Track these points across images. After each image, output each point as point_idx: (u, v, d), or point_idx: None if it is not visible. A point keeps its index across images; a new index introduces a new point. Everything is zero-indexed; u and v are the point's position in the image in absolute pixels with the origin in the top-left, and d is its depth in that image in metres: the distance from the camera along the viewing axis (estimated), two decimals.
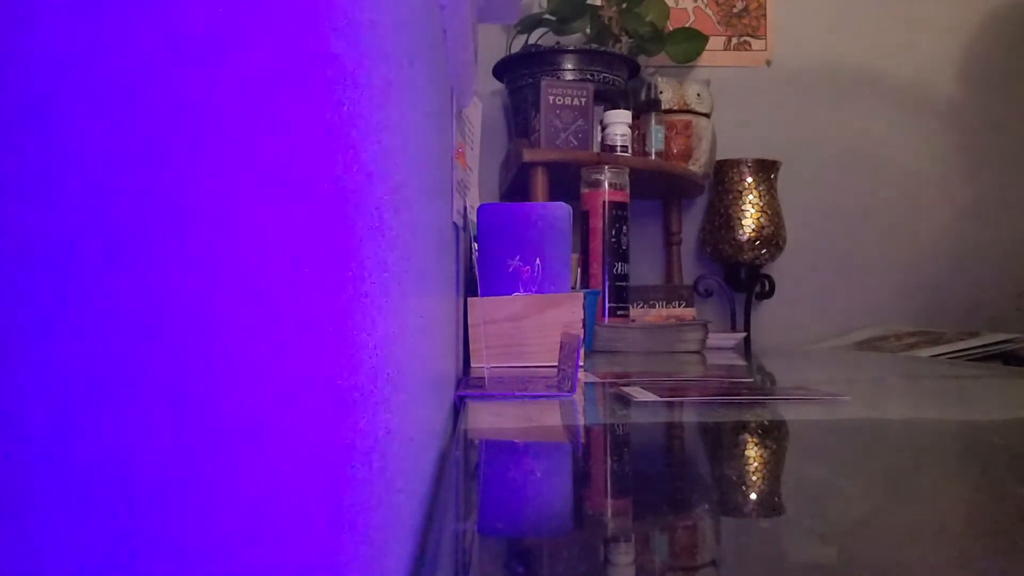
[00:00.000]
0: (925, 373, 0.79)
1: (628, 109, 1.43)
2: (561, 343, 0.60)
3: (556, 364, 0.62)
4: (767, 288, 1.70)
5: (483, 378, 0.64)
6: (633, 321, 1.25)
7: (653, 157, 1.46)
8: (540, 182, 1.30)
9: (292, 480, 0.13)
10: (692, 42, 1.65)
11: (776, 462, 0.36)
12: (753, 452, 0.38)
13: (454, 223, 0.68)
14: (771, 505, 0.28)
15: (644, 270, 1.68)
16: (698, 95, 1.59)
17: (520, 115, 1.52)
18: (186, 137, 0.10)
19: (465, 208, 0.82)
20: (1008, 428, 0.44)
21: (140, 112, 0.09)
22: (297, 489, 0.13)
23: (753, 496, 0.29)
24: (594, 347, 1.08)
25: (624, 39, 1.56)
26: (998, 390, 0.60)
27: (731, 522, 0.26)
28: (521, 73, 1.49)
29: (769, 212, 1.60)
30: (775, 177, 1.63)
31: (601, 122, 1.41)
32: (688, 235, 1.73)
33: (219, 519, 0.10)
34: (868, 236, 1.79)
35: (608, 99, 1.48)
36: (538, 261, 0.84)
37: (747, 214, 1.60)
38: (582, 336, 0.71)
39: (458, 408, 0.52)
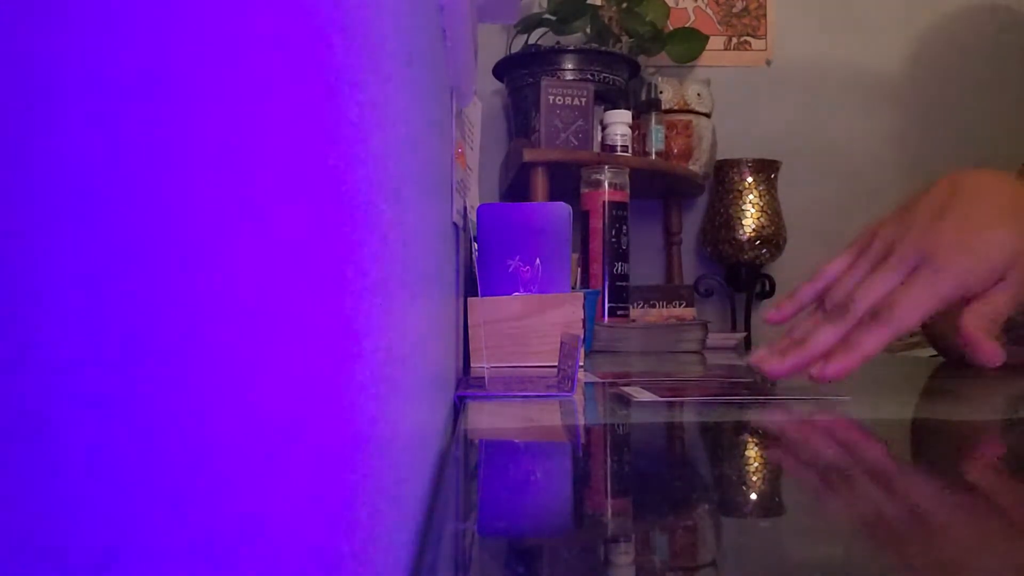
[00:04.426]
0: (925, 373, 0.79)
1: (628, 109, 1.43)
2: (561, 343, 0.60)
3: (556, 364, 0.62)
4: (767, 288, 1.69)
5: (483, 378, 0.64)
6: (633, 321, 1.25)
7: (653, 157, 1.46)
8: (540, 182, 1.30)
9: (291, 480, 0.13)
10: (692, 42, 1.65)
11: (775, 462, 0.36)
12: (752, 452, 0.38)
13: (454, 223, 0.68)
14: (769, 505, 0.28)
15: (644, 270, 1.68)
16: (698, 95, 1.59)
17: (520, 115, 1.52)
18: (180, 138, 0.10)
19: (465, 208, 0.82)
20: (1008, 428, 0.44)
21: (134, 112, 0.09)
22: (296, 489, 0.13)
23: (751, 496, 0.29)
24: (594, 347, 1.08)
25: (624, 39, 1.56)
26: (998, 390, 0.60)
27: (729, 522, 0.26)
28: (521, 73, 1.49)
29: (769, 212, 1.60)
30: (775, 177, 1.63)
31: (601, 122, 1.41)
32: (688, 235, 1.73)
33: (217, 518, 0.10)
34: None
35: (608, 99, 1.48)
36: (538, 261, 0.84)
37: (747, 214, 1.60)
38: (582, 336, 0.71)
39: (458, 408, 0.52)
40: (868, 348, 0.54)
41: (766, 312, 0.66)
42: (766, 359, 0.57)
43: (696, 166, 1.57)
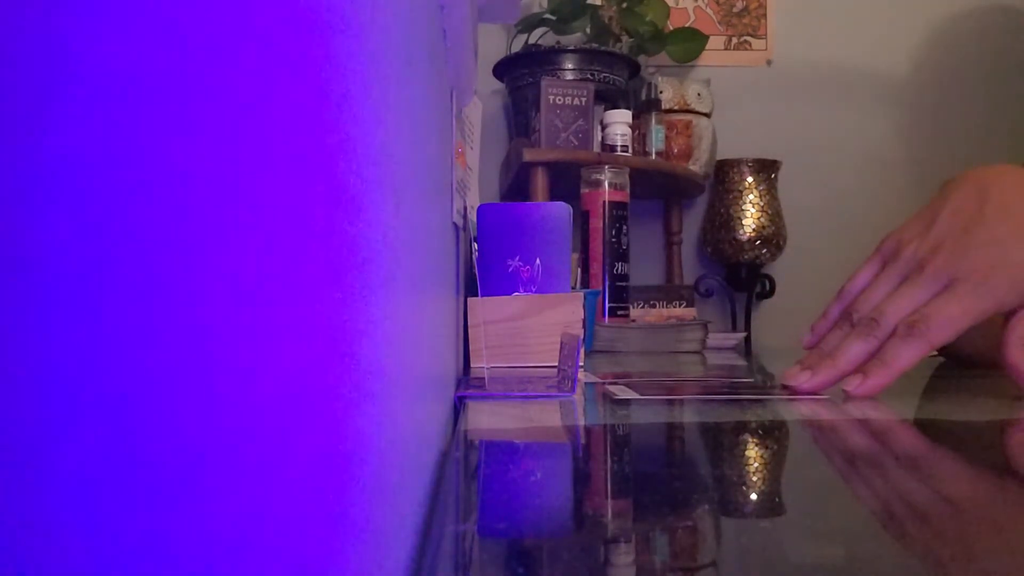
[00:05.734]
0: (925, 373, 0.79)
1: (628, 109, 1.43)
2: (561, 343, 0.60)
3: (556, 364, 0.62)
4: (767, 288, 1.70)
5: (483, 378, 0.64)
6: (633, 321, 1.25)
7: (653, 157, 1.46)
8: (540, 182, 1.30)
9: (291, 481, 0.13)
10: (692, 42, 1.65)
11: (772, 461, 0.36)
12: (748, 452, 0.38)
13: (454, 223, 0.68)
14: (765, 504, 0.28)
15: (644, 270, 1.68)
16: (698, 95, 1.59)
17: (520, 115, 1.52)
18: (179, 138, 0.10)
19: (465, 208, 0.82)
20: (1007, 429, 0.44)
21: (132, 111, 0.09)
22: (296, 490, 0.13)
23: (749, 495, 0.29)
24: (594, 347, 1.08)
25: (624, 39, 1.56)
26: (998, 391, 0.60)
27: (727, 521, 0.26)
28: (521, 73, 1.49)
29: (769, 212, 1.60)
30: (775, 177, 1.63)
31: (601, 122, 1.40)
32: (688, 235, 1.73)
33: (218, 519, 0.10)
34: (868, 236, 1.78)
35: (608, 99, 1.48)
36: (538, 261, 0.84)
37: (747, 214, 1.60)
38: (582, 336, 0.71)
39: (458, 408, 0.52)
40: (903, 363, 0.54)
41: (802, 337, 0.64)
42: (796, 375, 0.57)
43: (696, 166, 1.57)
